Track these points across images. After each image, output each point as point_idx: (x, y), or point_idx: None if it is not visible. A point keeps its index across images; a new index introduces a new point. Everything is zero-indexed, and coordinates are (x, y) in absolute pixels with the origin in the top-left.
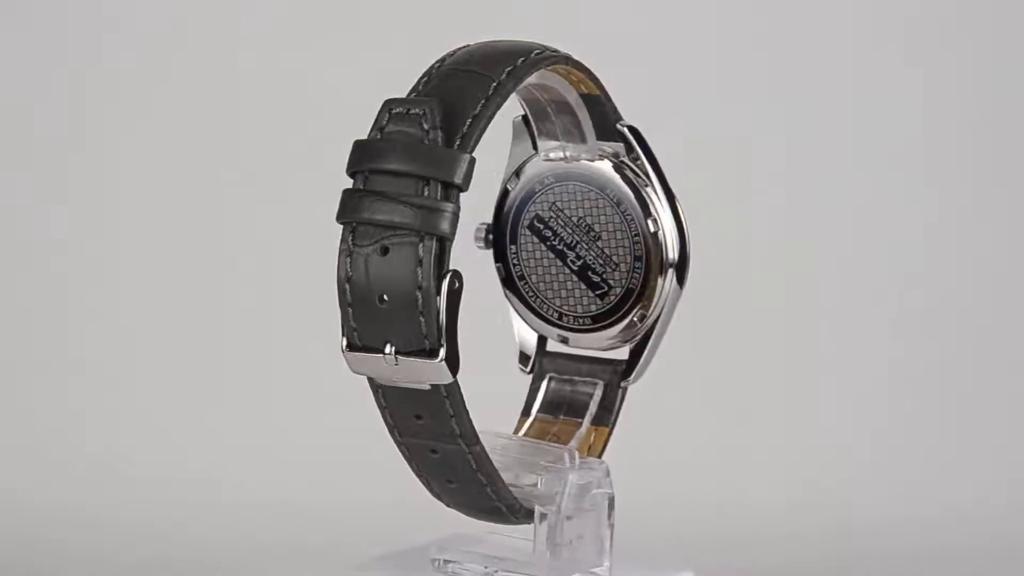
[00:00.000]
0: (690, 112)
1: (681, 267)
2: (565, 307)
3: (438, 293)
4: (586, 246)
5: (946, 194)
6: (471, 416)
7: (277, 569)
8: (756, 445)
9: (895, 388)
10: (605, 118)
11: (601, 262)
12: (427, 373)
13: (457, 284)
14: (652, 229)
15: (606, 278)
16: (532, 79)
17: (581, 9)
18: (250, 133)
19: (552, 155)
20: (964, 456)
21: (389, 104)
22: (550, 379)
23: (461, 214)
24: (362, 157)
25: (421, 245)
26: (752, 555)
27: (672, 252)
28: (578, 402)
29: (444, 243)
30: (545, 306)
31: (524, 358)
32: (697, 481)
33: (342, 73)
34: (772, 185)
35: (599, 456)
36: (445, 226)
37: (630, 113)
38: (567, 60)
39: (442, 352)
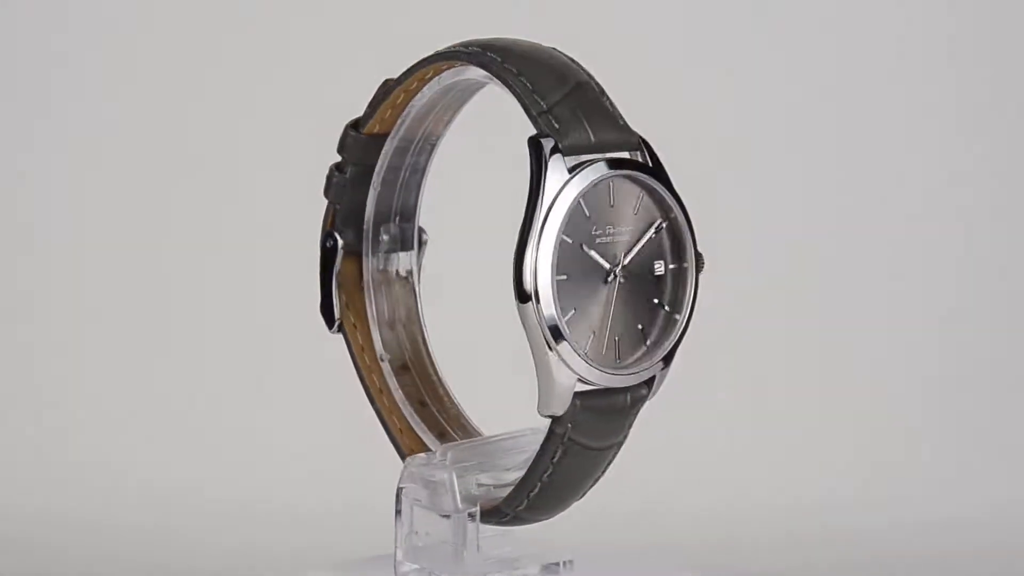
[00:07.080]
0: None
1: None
2: None
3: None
4: None
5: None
6: None
7: (275, 570)
8: (763, 447)
9: (906, 391)
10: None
11: None
12: None
13: (330, 243)
14: None
15: None
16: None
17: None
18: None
19: None
20: (982, 459)
21: None
22: None
23: None
24: None
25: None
26: (760, 559)
27: None
28: None
29: (332, 207)
30: None
31: None
32: (702, 485)
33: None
34: (784, 184)
35: None
36: (328, 192)
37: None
38: (470, 58)
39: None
